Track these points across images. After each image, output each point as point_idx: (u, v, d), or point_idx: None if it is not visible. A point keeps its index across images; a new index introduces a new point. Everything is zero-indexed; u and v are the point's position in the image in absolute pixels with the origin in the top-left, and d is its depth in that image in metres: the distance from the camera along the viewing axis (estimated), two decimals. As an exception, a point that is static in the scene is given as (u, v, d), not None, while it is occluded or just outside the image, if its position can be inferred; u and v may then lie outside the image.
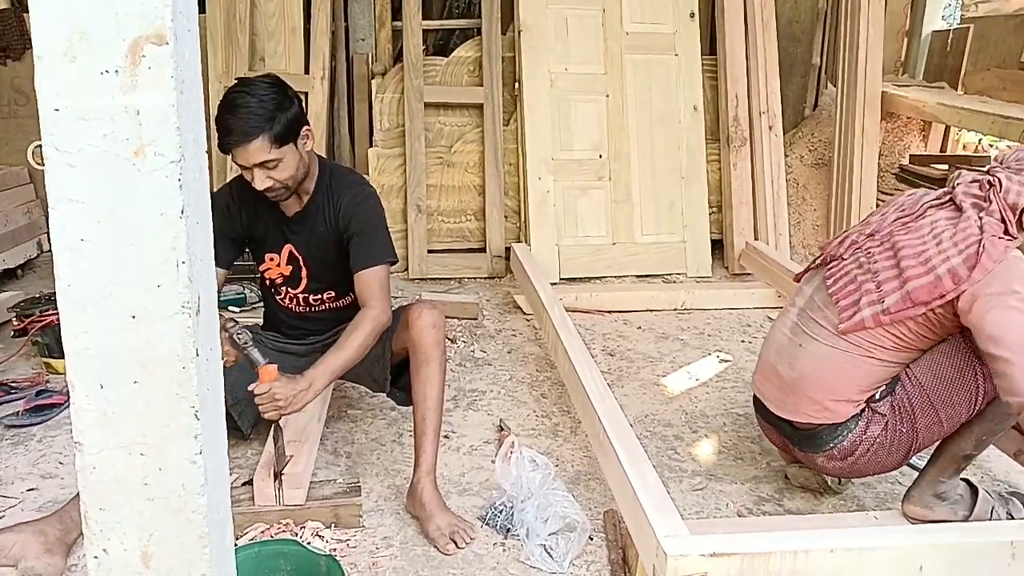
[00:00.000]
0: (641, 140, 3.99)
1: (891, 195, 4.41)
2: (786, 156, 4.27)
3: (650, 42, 4.02)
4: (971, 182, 1.86)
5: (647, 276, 3.95)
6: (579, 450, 2.43)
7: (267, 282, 2.27)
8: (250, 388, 1.87)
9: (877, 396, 1.91)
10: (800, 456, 2.09)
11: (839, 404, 1.90)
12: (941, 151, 4.83)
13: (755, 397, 2.17)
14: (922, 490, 1.96)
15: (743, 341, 3.32)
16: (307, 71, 4.03)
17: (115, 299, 0.91)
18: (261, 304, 2.46)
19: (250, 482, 2.04)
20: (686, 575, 1.61)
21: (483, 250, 4.01)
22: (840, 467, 1.98)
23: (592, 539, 1.99)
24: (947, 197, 1.87)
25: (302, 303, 2.25)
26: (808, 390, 1.93)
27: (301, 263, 2.19)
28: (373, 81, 4.04)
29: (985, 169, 1.91)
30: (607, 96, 3.97)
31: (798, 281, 2.15)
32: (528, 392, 2.80)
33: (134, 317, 0.92)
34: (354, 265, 2.08)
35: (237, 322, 1.96)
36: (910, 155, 4.77)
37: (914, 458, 2.15)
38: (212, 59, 3.93)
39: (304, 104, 2.12)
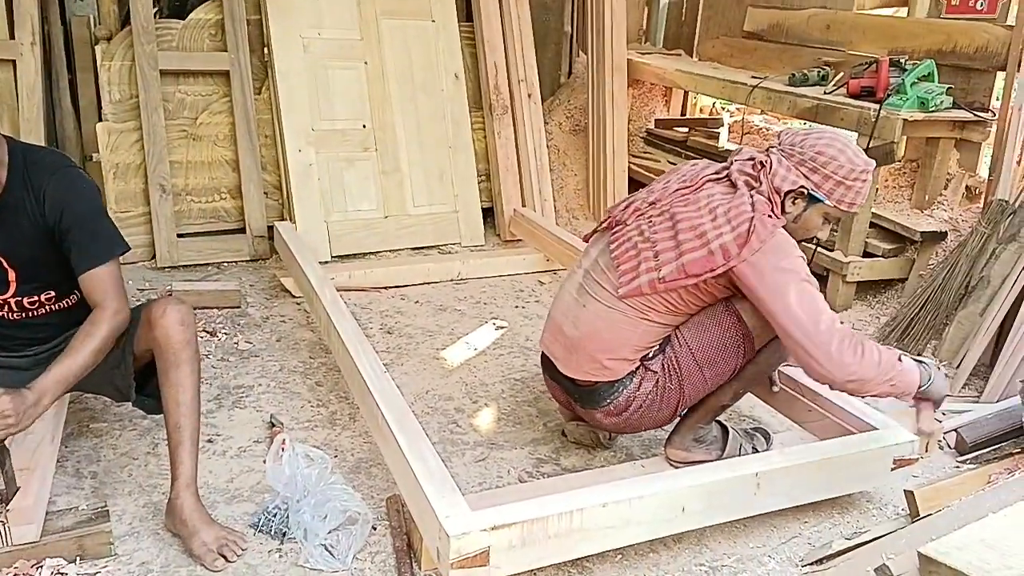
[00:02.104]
0: (405, 109, 3.90)
1: (640, 159, 4.71)
2: (546, 123, 4.40)
3: (405, 6, 3.92)
4: (746, 159, 1.97)
5: (422, 248, 3.91)
6: (359, 437, 2.34)
7: None
8: None
9: (650, 355, 2.01)
10: (581, 412, 2.17)
11: (616, 362, 1.99)
12: (682, 114, 5.24)
13: (543, 355, 2.21)
14: (682, 436, 2.10)
15: (517, 306, 3.39)
16: (12, 36, 3.46)
17: None
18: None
19: (-35, 525, 1.73)
20: (469, 552, 1.60)
21: (243, 231, 3.72)
22: (616, 422, 2.08)
23: (376, 529, 1.93)
24: (724, 172, 1.98)
25: (15, 308, 1.92)
26: (589, 348, 2.00)
27: (5, 266, 1.86)
28: (97, 47, 3.56)
29: (765, 148, 2.03)
30: (365, 63, 3.82)
31: (587, 241, 2.20)
32: (302, 382, 2.65)
33: None
34: (77, 266, 1.81)
35: None
36: (655, 119, 5.13)
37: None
38: None
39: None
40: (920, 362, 1.95)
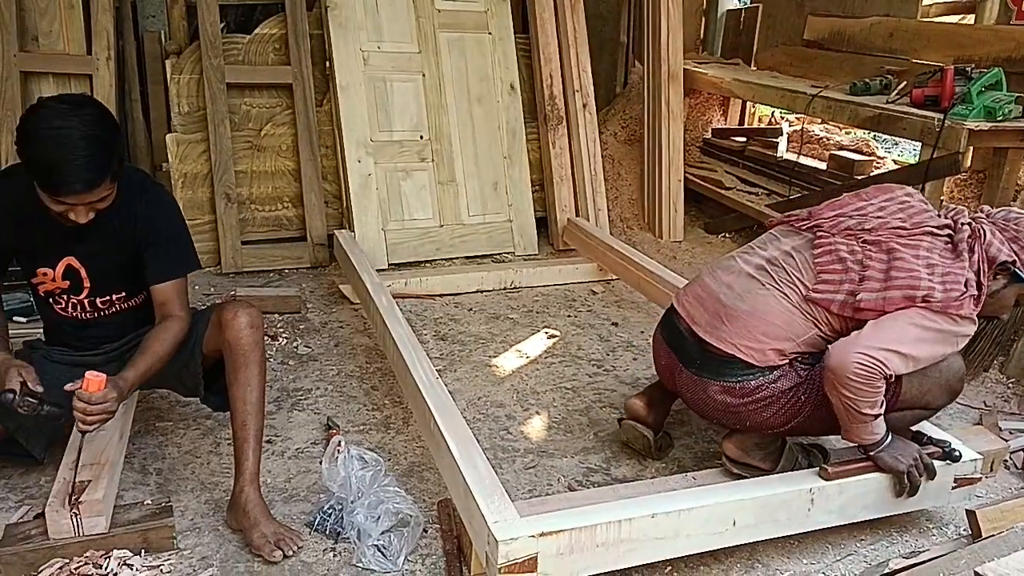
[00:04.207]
0: (461, 120, 3.96)
1: (697, 168, 4.67)
2: (601, 133, 4.40)
3: (463, 20, 3.99)
4: (965, 224, 1.98)
5: (476, 257, 3.95)
6: (412, 441, 2.38)
7: (42, 294, 2.02)
8: (76, 392, 1.70)
9: (801, 360, 2.00)
10: (684, 381, 2.10)
11: (771, 351, 1.97)
12: (739, 124, 5.18)
13: (669, 314, 2.19)
14: (745, 436, 2.07)
15: (568, 316, 3.40)
16: (89, 52, 3.64)
17: None
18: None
19: (43, 514, 1.82)
20: (517, 558, 1.62)
21: (303, 238, 3.83)
22: (729, 403, 2.01)
23: (427, 531, 1.96)
24: (946, 231, 1.98)
25: (88, 308, 2.02)
26: (752, 326, 1.98)
27: (82, 275, 1.97)
28: (167, 61, 3.71)
29: (973, 216, 2.04)
30: (423, 75, 3.89)
31: (770, 228, 2.20)
32: (358, 386, 2.71)
33: None
34: (153, 276, 1.95)
35: (15, 392, 1.73)
36: (712, 129, 5.09)
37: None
38: (-28, 38, 3.46)
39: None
40: (938, 442, 2.01)
